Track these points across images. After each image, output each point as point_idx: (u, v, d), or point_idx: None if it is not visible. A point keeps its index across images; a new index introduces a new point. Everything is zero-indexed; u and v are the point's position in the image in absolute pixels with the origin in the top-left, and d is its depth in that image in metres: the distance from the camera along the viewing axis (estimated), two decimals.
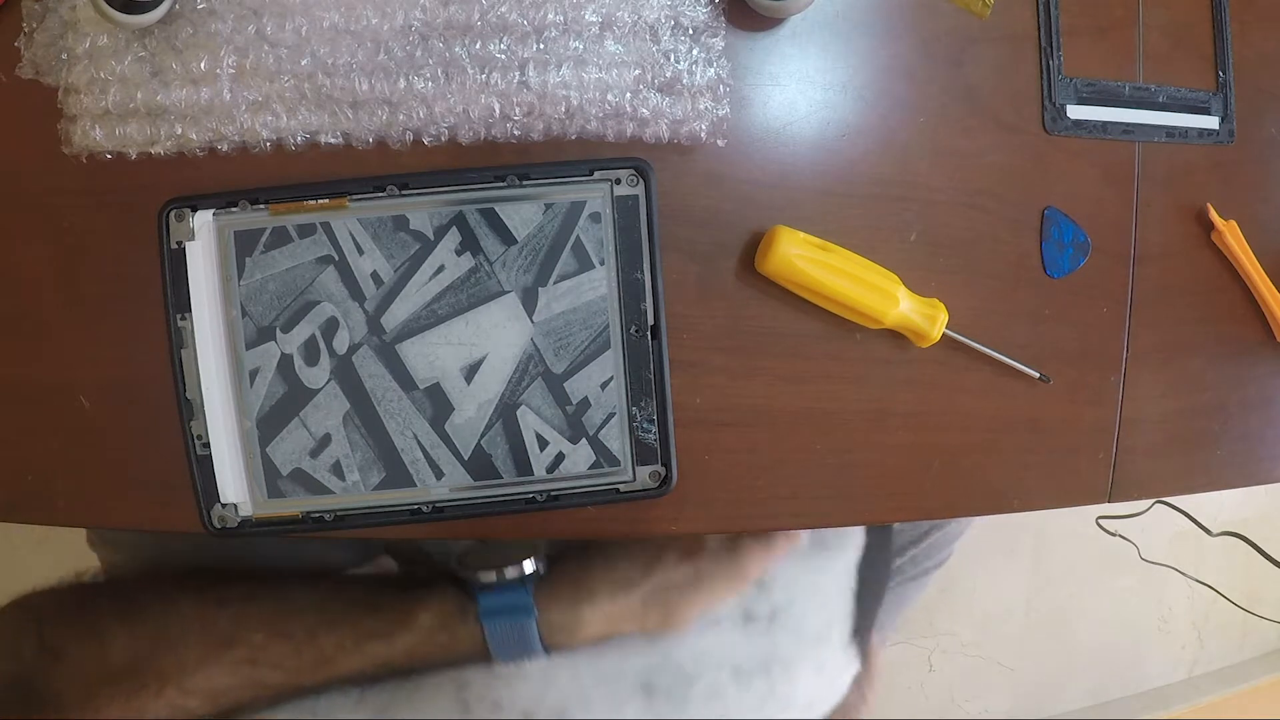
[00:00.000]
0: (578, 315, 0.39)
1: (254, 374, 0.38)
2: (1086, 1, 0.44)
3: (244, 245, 0.38)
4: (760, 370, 0.42)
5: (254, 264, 0.38)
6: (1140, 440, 0.46)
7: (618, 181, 0.38)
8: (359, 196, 0.38)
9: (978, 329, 0.43)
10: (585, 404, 0.39)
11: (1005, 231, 0.44)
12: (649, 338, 0.39)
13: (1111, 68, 0.45)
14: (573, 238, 0.38)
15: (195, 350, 0.37)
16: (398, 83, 0.38)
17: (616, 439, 0.40)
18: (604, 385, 0.39)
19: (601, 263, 0.39)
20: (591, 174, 0.38)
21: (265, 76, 0.37)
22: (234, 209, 0.37)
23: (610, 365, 0.39)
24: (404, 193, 0.38)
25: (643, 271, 0.39)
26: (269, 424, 0.38)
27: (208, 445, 0.38)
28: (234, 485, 0.38)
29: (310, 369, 0.38)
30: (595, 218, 0.38)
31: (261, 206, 0.37)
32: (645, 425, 0.40)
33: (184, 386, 0.38)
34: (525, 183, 0.38)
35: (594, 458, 0.40)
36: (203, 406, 0.38)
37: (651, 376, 0.39)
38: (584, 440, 0.40)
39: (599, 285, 0.39)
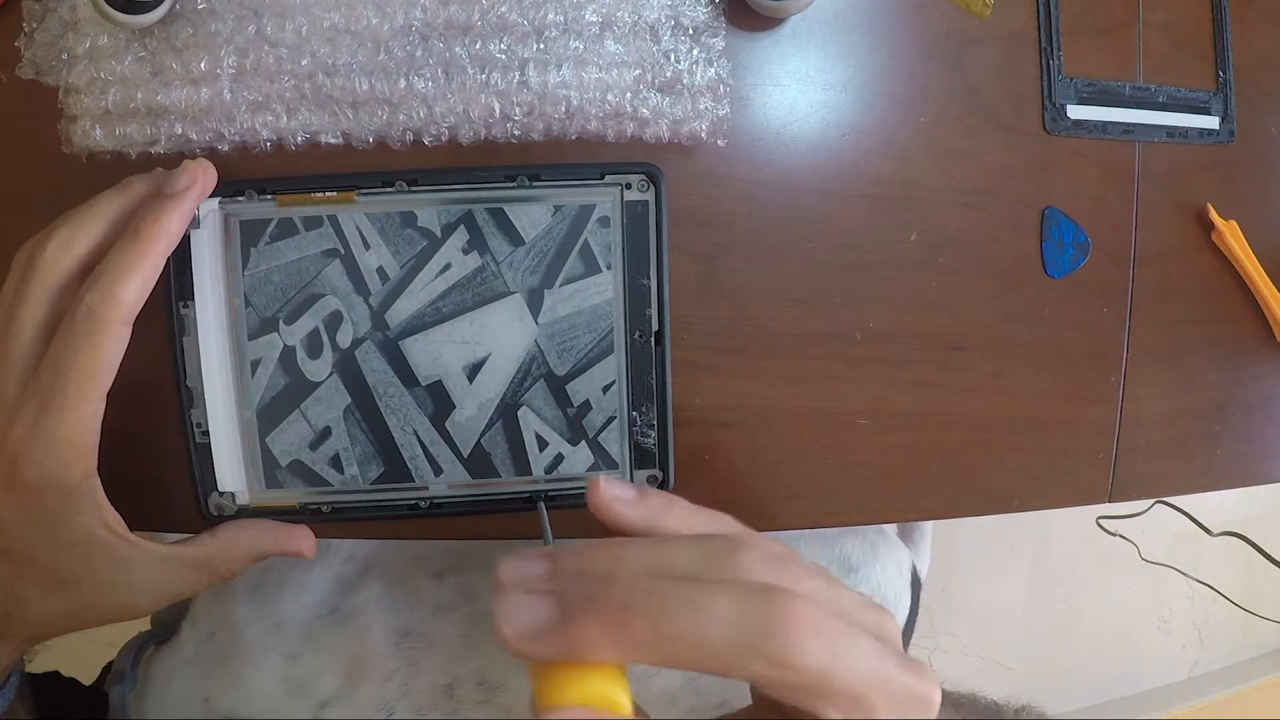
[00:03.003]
0: (582, 318, 0.39)
1: (256, 364, 0.38)
2: (1086, 1, 0.44)
3: (249, 235, 0.37)
4: (760, 370, 0.42)
5: (259, 254, 0.38)
6: (1140, 440, 0.46)
7: (628, 186, 0.38)
8: (367, 191, 0.38)
9: (978, 329, 0.43)
10: (586, 407, 0.39)
11: (1005, 231, 0.44)
12: (653, 343, 0.39)
13: (1111, 68, 0.45)
14: (580, 241, 0.38)
15: (197, 338, 0.37)
16: (398, 83, 0.38)
17: (616, 442, 0.40)
18: (606, 389, 0.39)
19: (608, 267, 0.39)
20: (602, 178, 0.38)
21: (265, 76, 0.37)
22: (240, 198, 0.37)
23: (613, 369, 0.39)
24: (413, 189, 0.38)
25: (649, 277, 0.39)
26: (269, 415, 0.38)
27: (207, 433, 0.38)
28: (232, 474, 0.38)
29: (312, 361, 0.38)
30: (604, 222, 0.38)
31: (269, 197, 0.37)
32: (645, 430, 0.40)
33: (184, 374, 0.38)
34: (535, 184, 0.38)
35: (593, 460, 0.40)
36: (203, 394, 0.38)
37: (654, 382, 0.39)
38: (583, 442, 0.40)
39: (605, 289, 0.39)
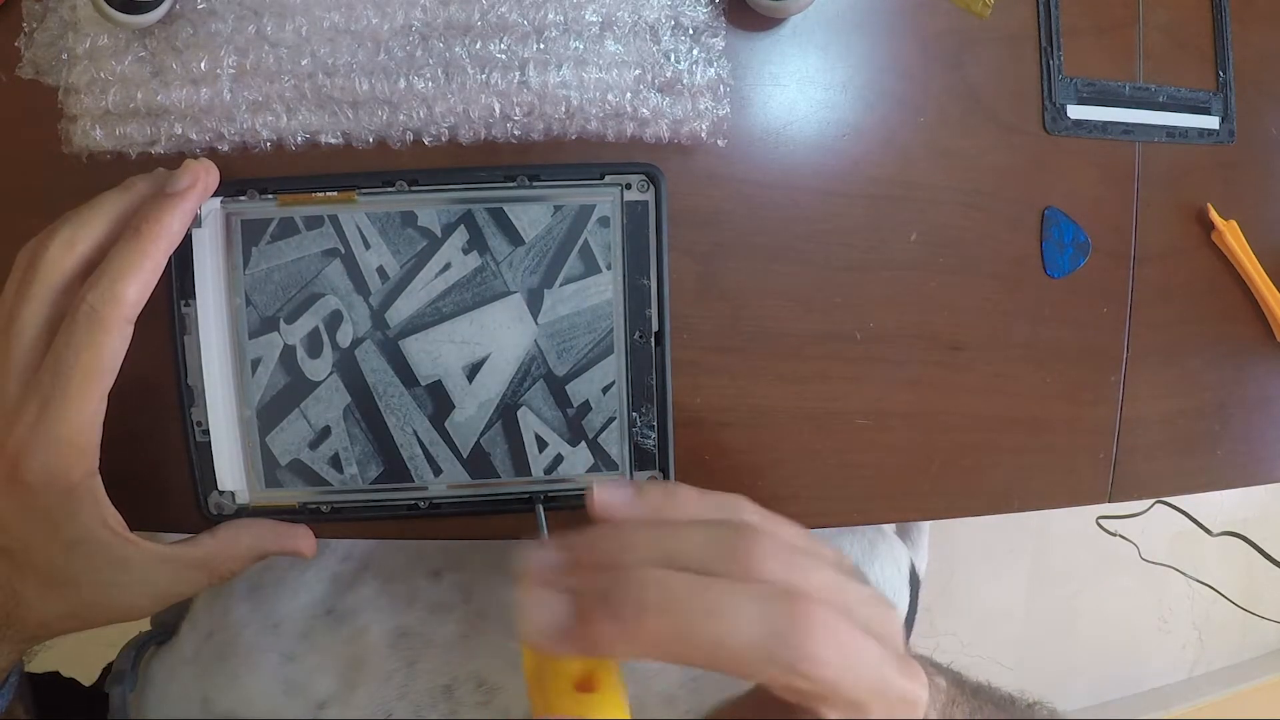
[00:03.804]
0: (582, 319, 0.39)
1: (256, 363, 0.38)
2: (1086, 1, 0.44)
3: (251, 234, 0.38)
4: (760, 370, 0.42)
5: (260, 254, 0.38)
6: (1140, 440, 0.46)
7: (628, 186, 0.38)
8: (368, 190, 0.38)
9: (978, 329, 0.43)
10: (586, 407, 0.39)
11: (1005, 231, 0.44)
12: (653, 344, 0.39)
13: (1111, 68, 0.45)
14: (580, 241, 0.38)
15: (198, 337, 0.37)
16: (398, 83, 0.38)
17: (616, 443, 0.40)
18: (605, 389, 0.39)
19: (608, 267, 0.39)
20: (602, 178, 0.38)
21: (265, 76, 0.37)
22: (242, 197, 0.37)
23: (613, 370, 0.39)
24: (413, 189, 0.38)
25: (649, 277, 0.39)
26: (269, 414, 0.38)
27: (207, 432, 0.38)
28: (232, 473, 0.38)
29: (313, 361, 0.38)
30: (604, 222, 0.38)
31: (270, 196, 0.37)
32: (645, 431, 0.40)
33: (185, 372, 0.38)
34: (535, 184, 0.38)
35: (592, 460, 0.40)
36: (204, 393, 0.38)
37: (654, 382, 0.39)
38: (583, 443, 0.40)
39: (604, 290, 0.39)
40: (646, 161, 0.38)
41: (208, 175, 0.35)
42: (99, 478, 0.32)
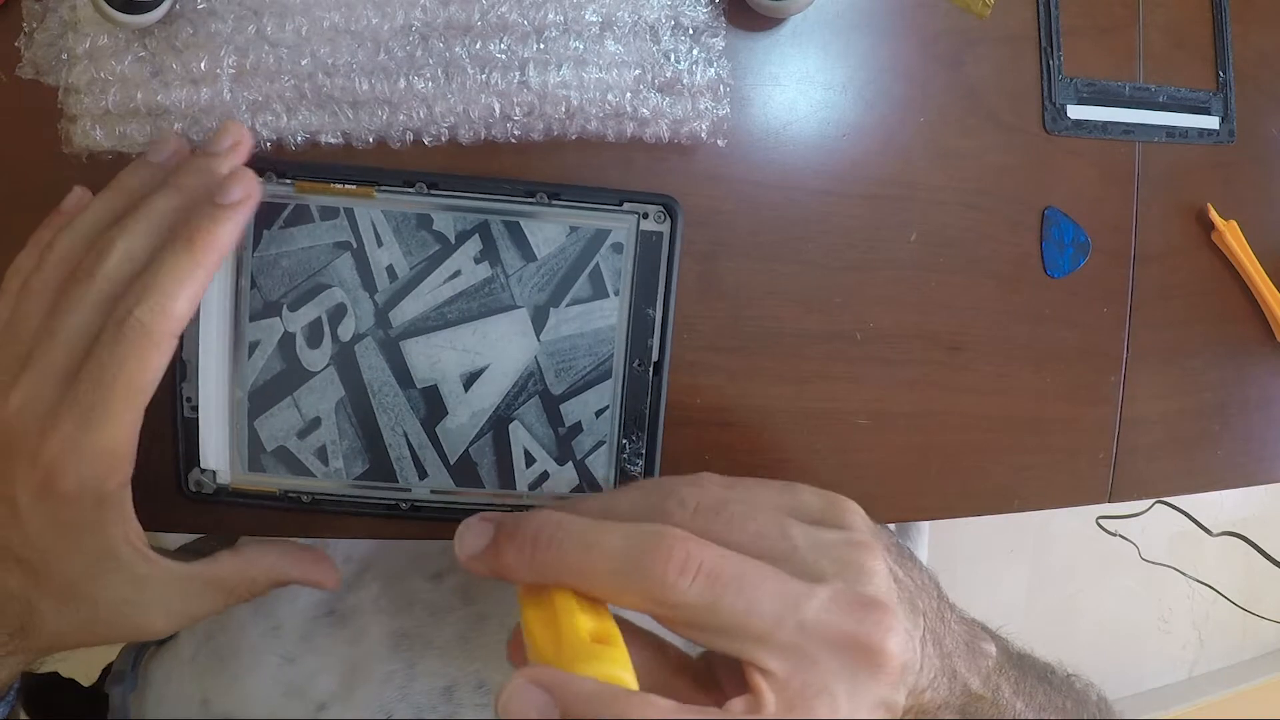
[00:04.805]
0: (584, 341, 0.39)
1: (254, 346, 0.38)
2: (1086, 1, 0.44)
3: (264, 216, 0.37)
4: (760, 370, 0.42)
5: (271, 237, 0.38)
6: (1140, 440, 0.46)
7: (645, 216, 0.38)
8: (387, 188, 0.38)
9: (978, 329, 0.43)
10: (577, 428, 0.39)
11: (1005, 231, 0.44)
12: (650, 374, 0.39)
13: (1111, 68, 0.45)
14: (592, 264, 0.38)
15: (198, 312, 0.37)
16: (398, 83, 0.37)
17: (603, 467, 0.40)
18: (599, 413, 0.39)
19: (616, 293, 0.39)
20: (621, 204, 0.38)
21: (265, 76, 0.37)
22: (259, 178, 0.37)
23: (608, 394, 0.39)
24: (432, 192, 0.38)
25: (655, 308, 0.39)
26: (261, 398, 0.38)
27: (195, 408, 0.38)
28: (215, 452, 0.38)
29: (311, 351, 0.38)
30: (617, 248, 0.38)
31: (288, 181, 0.37)
32: (633, 459, 0.40)
33: (180, 346, 0.37)
34: (554, 202, 0.38)
35: (577, 481, 0.40)
36: (197, 369, 0.37)
37: (646, 411, 0.39)
38: (570, 463, 0.40)
39: (610, 315, 0.39)
40: (666, 194, 0.38)
41: (258, 187, 0.33)
42: (129, 490, 0.32)
